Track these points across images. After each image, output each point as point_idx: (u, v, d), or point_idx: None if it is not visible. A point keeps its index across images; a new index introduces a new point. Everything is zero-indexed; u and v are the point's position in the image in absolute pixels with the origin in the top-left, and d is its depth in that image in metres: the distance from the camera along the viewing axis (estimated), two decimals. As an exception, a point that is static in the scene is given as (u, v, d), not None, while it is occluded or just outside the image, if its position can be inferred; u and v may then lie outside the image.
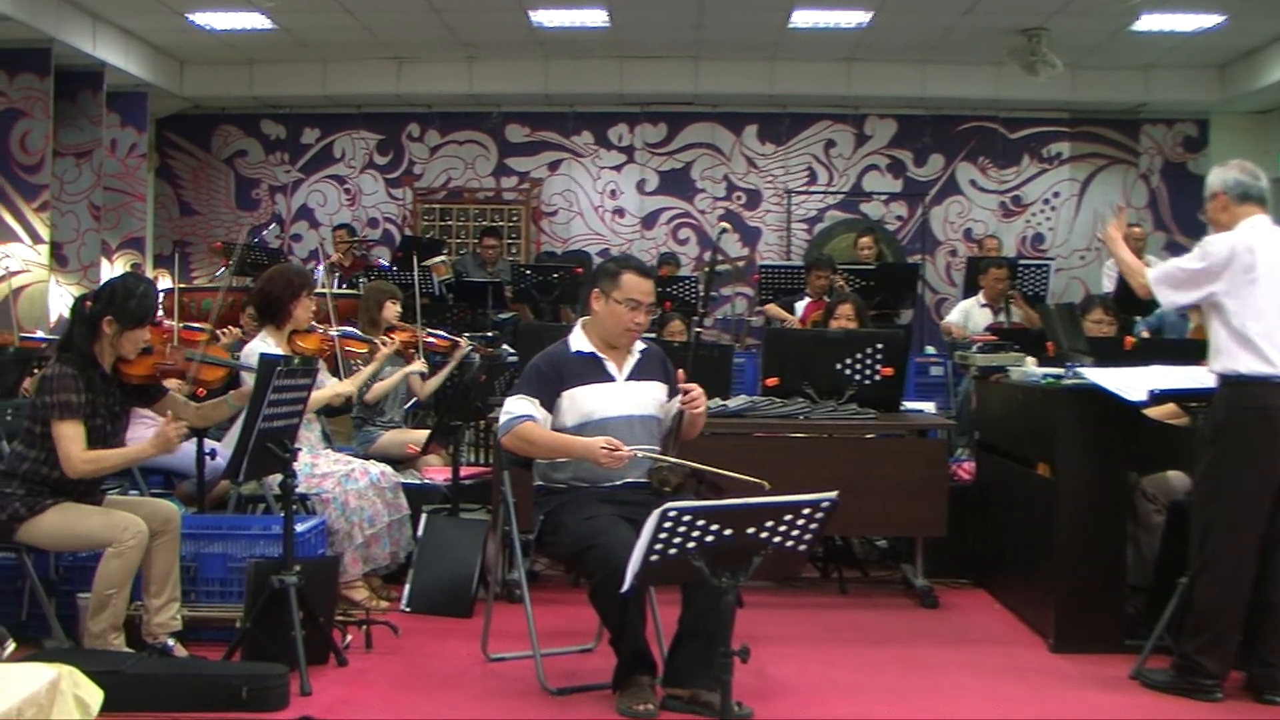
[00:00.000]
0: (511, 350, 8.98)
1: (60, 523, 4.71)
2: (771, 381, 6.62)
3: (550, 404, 4.71)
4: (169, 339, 5.33)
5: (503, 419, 4.74)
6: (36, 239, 11.68)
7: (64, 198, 12.47)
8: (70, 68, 12.17)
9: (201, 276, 14.61)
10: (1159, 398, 4.95)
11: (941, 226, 14.46)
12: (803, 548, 3.51)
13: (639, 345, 4.90)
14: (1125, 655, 5.09)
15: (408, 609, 5.88)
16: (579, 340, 4.86)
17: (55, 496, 4.73)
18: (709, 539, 3.35)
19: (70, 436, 4.68)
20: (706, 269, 12.71)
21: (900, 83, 13.74)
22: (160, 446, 4.76)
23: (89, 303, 4.87)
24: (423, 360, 7.44)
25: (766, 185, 14.56)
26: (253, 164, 15.08)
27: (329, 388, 6.17)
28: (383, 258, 13.24)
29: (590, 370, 4.79)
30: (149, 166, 14.36)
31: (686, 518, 3.31)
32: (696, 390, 4.71)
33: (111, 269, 13.20)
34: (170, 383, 5.21)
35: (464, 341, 7.78)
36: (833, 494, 3.41)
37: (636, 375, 4.83)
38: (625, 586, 3.49)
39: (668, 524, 3.31)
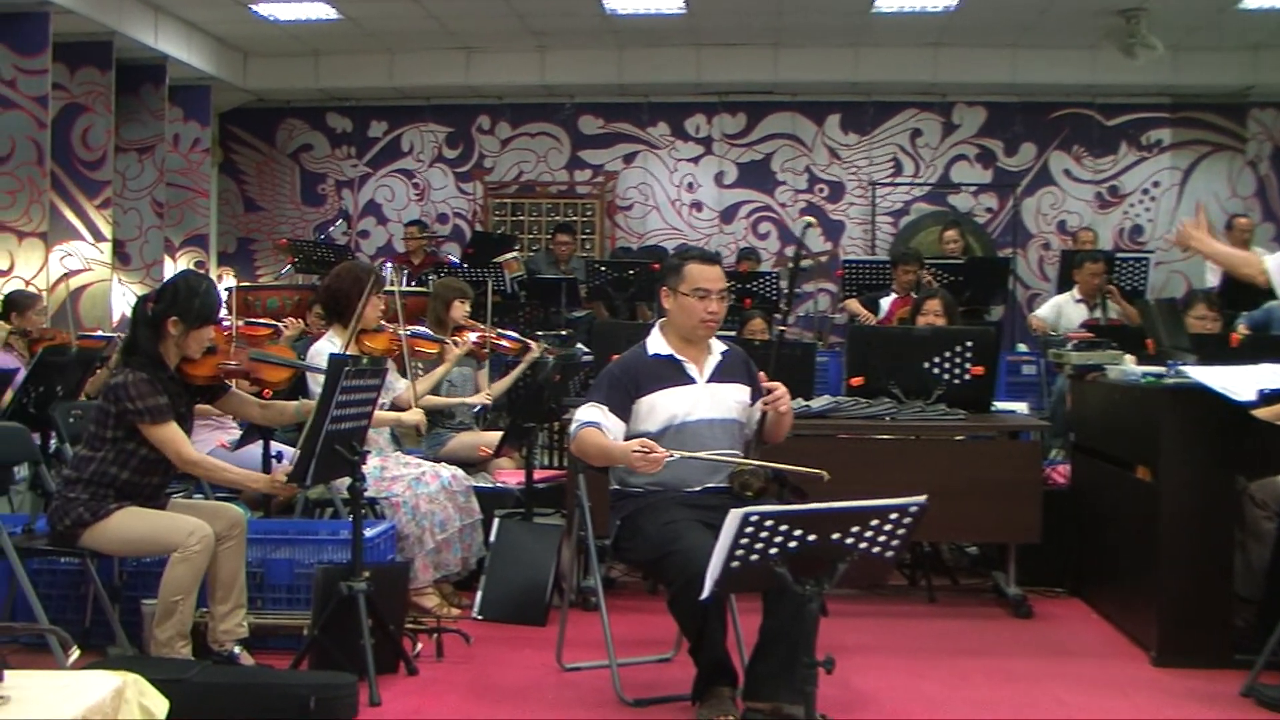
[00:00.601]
0: (586, 349, 9.00)
1: (125, 527, 4.77)
2: (856, 381, 6.59)
3: (623, 410, 4.70)
4: (232, 338, 5.39)
5: (573, 425, 4.76)
6: (99, 236, 11.85)
7: (126, 194, 12.68)
8: (131, 61, 12.37)
9: (266, 274, 14.78)
10: (1269, 398, 4.87)
11: (1034, 219, 14.31)
12: (890, 554, 3.49)
13: (720, 346, 4.88)
14: (1235, 671, 5.00)
15: (480, 617, 5.91)
16: (656, 343, 4.85)
17: (120, 500, 4.80)
18: (791, 544, 3.34)
19: (173, 437, 4.78)
20: (790, 265, 12.68)
21: (989, 68, 13.62)
22: (269, 489, 4.98)
23: (151, 303, 4.93)
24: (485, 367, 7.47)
25: (850, 177, 14.49)
26: (318, 158, 15.23)
27: (393, 414, 6.18)
28: (453, 254, 13.32)
29: (669, 373, 4.78)
30: (212, 162, 14.55)
31: (768, 522, 3.30)
32: (780, 389, 4.69)
33: (175, 267, 13.39)
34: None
35: (536, 345, 7.79)
36: (921, 498, 3.39)
37: (718, 377, 4.82)
38: (705, 593, 3.49)
39: (749, 529, 3.30)
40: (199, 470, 4.93)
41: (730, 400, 4.80)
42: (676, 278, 4.80)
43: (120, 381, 4.79)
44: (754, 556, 3.35)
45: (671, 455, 4.47)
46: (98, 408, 4.87)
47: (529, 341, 7.83)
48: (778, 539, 3.33)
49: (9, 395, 6.15)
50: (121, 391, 4.77)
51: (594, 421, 4.65)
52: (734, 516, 3.30)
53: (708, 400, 4.76)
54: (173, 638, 4.69)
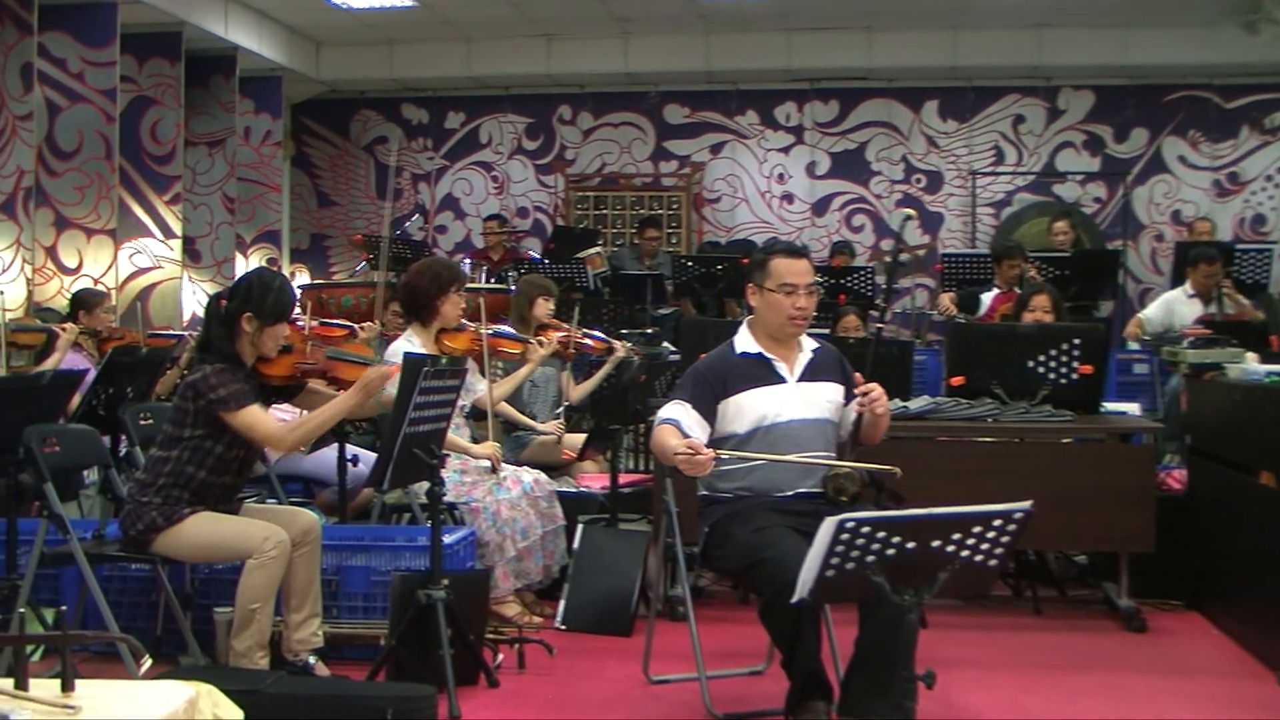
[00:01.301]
0: (672, 348, 9.01)
1: (199, 533, 4.82)
2: (957, 381, 6.54)
3: (707, 409, 4.69)
4: (307, 337, 5.45)
5: (655, 421, 4.76)
6: (169, 233, 12.04)
7: (196, 189, 12.87)
8: (201, 52, 12.55)
9: (341, 271, 14.93)
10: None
11: (1146, 208, 14.12)
12: (993, 563, 3.46)
13: (811, 344, 4.87)
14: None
15: (563, 626, 5.94)
16: (745, 341, 4.84)
17: (194, 505, 4.85)
18: (889, 552, 3.33)
19: (259, 419, 4.83)
20: (888, 259, 12.62)
21: (1098, 49, 13.45)
22: (363, 394, 4.91)
23: (224, 301, 4.99)
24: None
25: (949, 166, 14.39)
26: (394, 151, 15.36)
27: (466, 443, 6.20)
28: (533, 249, 13.40)
29: (758, 372, 4.77)
30: (284, 155, 14.73)
31: (865, 529, 3.29)
32: (877, 390, 4.66)
33: (246, 264, 13.57)
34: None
35: (621, 346, 7.80)
36: (1026, 504, 3.36)
37: (809, 376, 4.80)
38: (796, 599, 3.48)
39: (844, 535, 3.29)
40: (298, 436, 4.94)
41: (822, 400, 4.77)
42: (762, 273, 4.78)
43: (199, 375, 4.84)
44: (850, 565, 3.34)
45: (719, 455, 4.45)
46: (175, 407, 4.92)
47: (614, 342, 7.84)
48: (875, 546, 3.31)
49: (78, 397, 6.24)
50: (201, 384, 4.81)
51: (673, 419, 4.63)
52: (829, 523, 3.29)
53: (799, 400, 4.74)
54: (251, 648, 4.74)
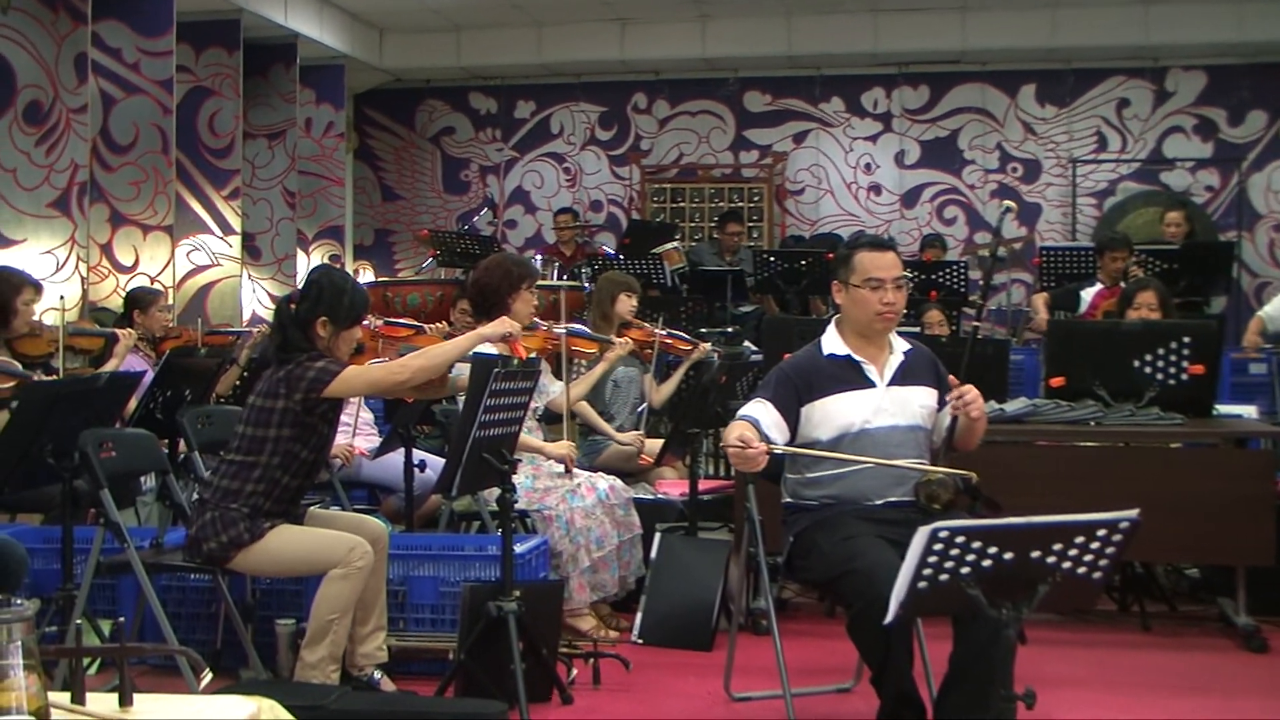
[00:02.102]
0: (754, 348, 9.00)
1: (283, 547, 4.84)
2: (1057, 382, 6.49)
3: (788, 410, 4.67)
4: (377, 335, 5.49)
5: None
6: (227, 229, 12.17)
7: (255, 184, 13.01)
8: (260, 40, 12.69)
9: (406, 268, 15.04)
10: None
11: (1263, 196, 13.93)
12: (1097, 575, 3.43)
13: (903, 345, 4.83)
14: None
15: (640, 640, 5.95)
16: (832, 341, 4.81)
17: (271, 517, 4.87)
18: (986, 563, 3.30)
19: (361, 369, 4.91)
20: (983, 253, 12.53)
21: (1211, 26, 13.29)
22: (500, 332, 5.08)
23: (294, 304, 5.01)
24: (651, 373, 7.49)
25: (1047, 154, 14.27)
26: (461, 142, 15.46)
27: (539, 442, 6.23)
28: (607, 244, 13.43)
29: (846, 375, 4.74)
30: (347, 147, 14.85)
31: (960, 538, 3.27)
32: (972, 392, 4.63)
33: (308, 261, 13.69)
34: None
35: (702, 345, 7.80)
36: (1132, 513, 3.33)
37: (900, 379, 4.76)
38: (889, 617, 3.47)
39: (938, 545, 3.27)
40: (423, 363, 4.91)
41: (914, 404, 4.74)
42: (846, 269, 4.76)
43: (292, 365, 4.83)
44: (944, 576, 3.32)
45: (772, 451, 4.43)
46: (256, 407, 4.89)
47: (698, 342, 7.83)
48: (970, 557, 3.29)
49: (135, 400, 6.31)
50: (297, 370, 4.80)
51: (751, 417, 4.61)
52: (921, 533, 3.27)
53: (889, 405, 4.70)
54: (323, 660, 4.76)
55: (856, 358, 4.74)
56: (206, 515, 4.86)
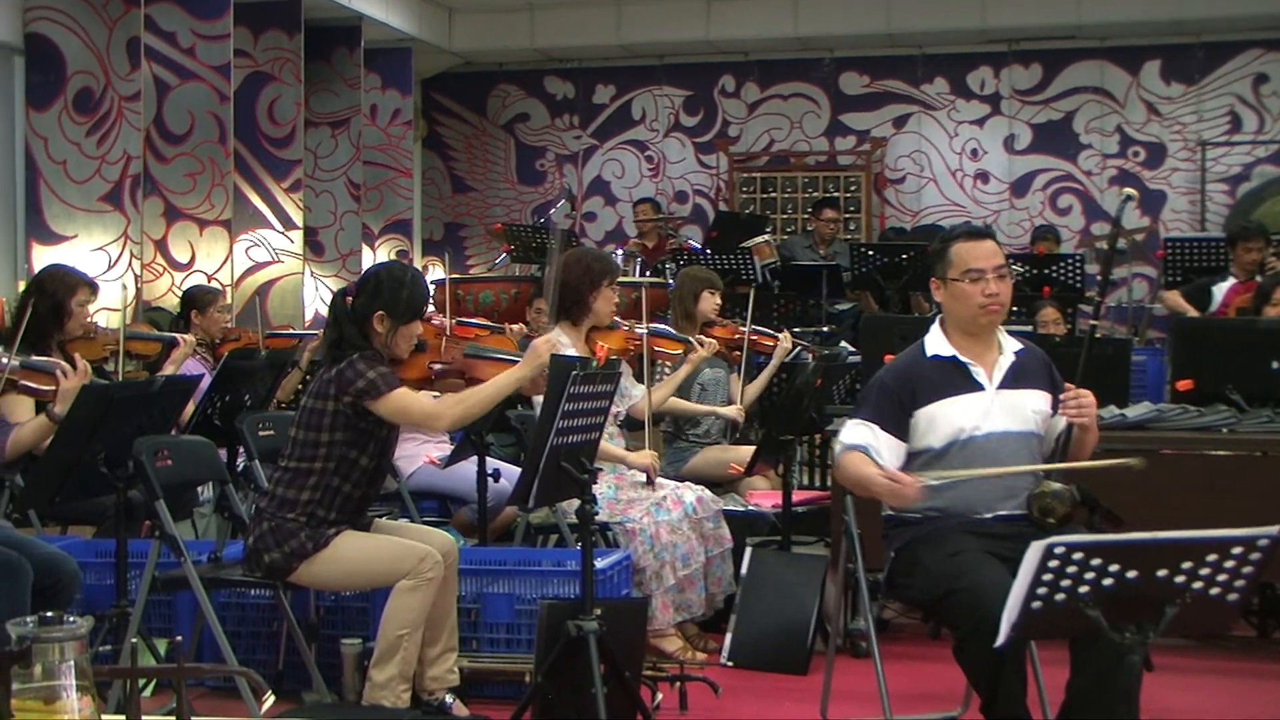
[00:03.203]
0: (852, 348, 8.97)
1: (349, 556, 4.87)
2: (1184, 385, 6.43)
3: (898, 427, 4.65)
4: (443, 334, 5.52)
5: (836, 447, 4.74)
6: (288, 224, 12.27)
7: (318, 175, 13.12)
8: (323, 22, 12.80)
9: (479, 264, 15.11)
10: None
11: None
12: (1232, 597, 3.38)
13: (1014, 345, 4.80)
14: None
15: (730, 663, 5.94)
16: (936, 342, 4.78)
17: (336, 525, 4.92)
18: (1107, 582, 3.27)
19: (412, 399, 4.90)
20: (1102, 245, 12.43)
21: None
22: (534, 365, 4.92)
23: (350, 298, 5.05)
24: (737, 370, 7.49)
25: (1173, 137, 14.12)
26: (536, 129, 15.52)
27: (620, 450, 6.24)
28: (693, 238, 13.42)
29: (952, 378, 4.71)
30: (415, 136, 14.95)
31: (1077, 555, 3.24)
32: (1087, 397, 4.59)
33: (374, 257, 13.79)
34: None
35: (784, 337, 7.78)
36: (1272, 529, 3.28)
37: (1011, 382, 4.72)
38: (1000, 640, 3.44)
39: (1054, 562, 3.24)
40: (460, 411, 4.93)
41: (1027, 410, 4.70)
42: (943, 264, 4.73)
43: (344, 365, 4.87)
44: (1060, 596, 3.29)
45: (924, 481, 4.40)
46: (308, 409, 4.93)
47: (778, 334, 7.81)
48: (1089, 575, 3.26)
49: (192, 405, 6.37)
50: (348, 372, 4.83)
51: (860, 444, 4.60)
52: (1035, 548, 3.24)
53: (999, 410, 4.67)
54: (393, 679, 4.79)
55: (962, 359, 4.71)
56: (263, 525, 4.91)
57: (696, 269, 8.23)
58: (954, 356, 4.71)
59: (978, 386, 4.69)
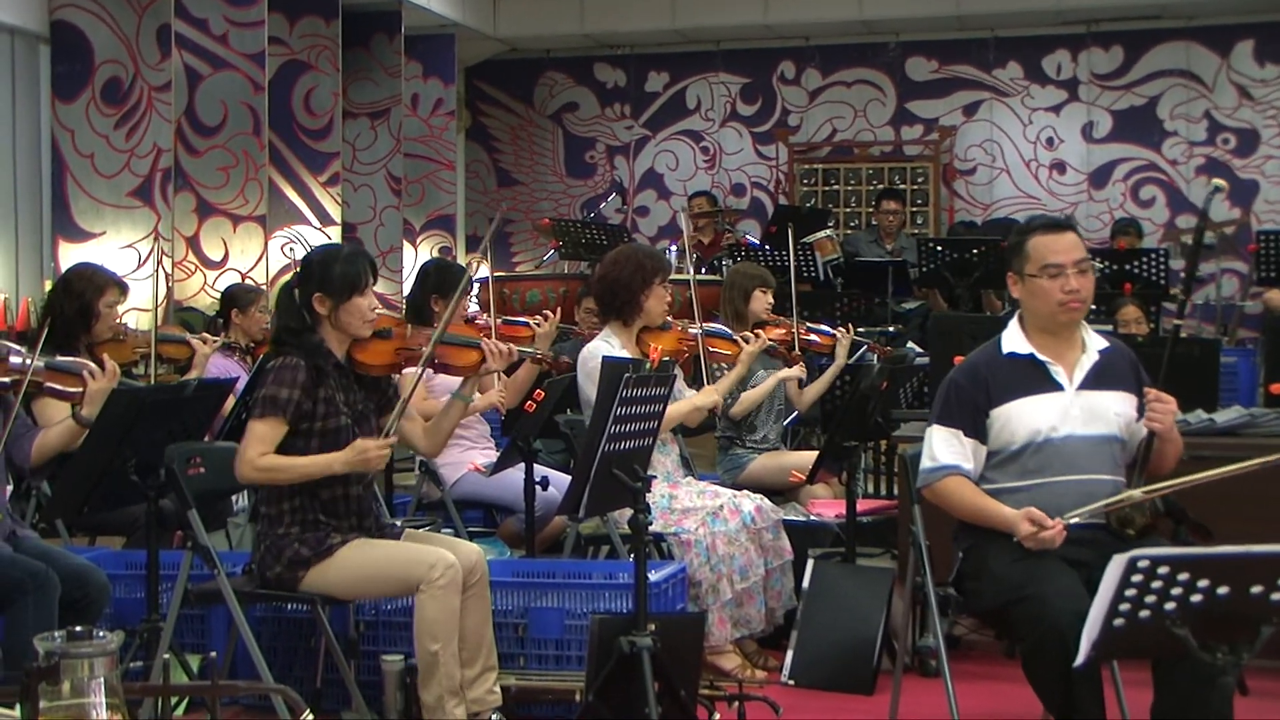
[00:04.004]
0: (919, 349, 8.94)
1: (355, 563, 4.92)
2: (1278, 388, 6.37)
3: (979, 431, 4.64)
4: (404, 324, 5.52)
5: (924, 463, 4.71)
6: (326, 220, 12.31)
7: (357, 168, 13.16)
8: (361, 8, 12.86)
9: (525, 262, 15.13)
10: None
11: None
12: (1332, 613, 3.36)
13: (1099, 344, 4.76)
14: None
15: (790, 682, 5.93)
16: (1013, 339, 4.76)
17: (342, 531, 4.97)
18: (1196, 598, 3.25)
19: (257, 435, 4.88)
20: (1188, 239, 12.33)
21: None
22: (355, 463, 4.88)
23: (296, 288, 5.11)
24: (802, 364, 7.48)
25: (1267, 122, 14.00)
26: (586, 119, 15.53)
27: (685, 400, 6.29)
28: (751, 233, 13.41)
29: (1029, 377, 4.69)
30: (459, 127, 14.97)
31: (1163, 569, 3.22)
32: (1169, 403, 4.54)
33: (416, 254, 13.82)
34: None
35: (843, 333, 7.74)
36: (1374, 540, 3.26)
37: (1093, 383, 4.69)
38: (1080, 659, 3.42)
39: (1137, 576, 3.22)
40: (260, 476, 4.91)
41: (1110, 412, 4.67)
42: (1020, 258, 4.70)
43: (265, 368, 4.99)
44: (1144, 613, 3.27)
45: (1070, 523, 4.37)
46: None
47: (838, 331, 7.77)
48: (1176, 591, 3.24)
49: (227, 409, 6.40)
50: (266, 378, 4.94)
51: (958, 467, 4.60)
52: (1118, 562, 3.22)
53: (1079, 412, 4.64)
54: (441, 698, 4.81)
55: (1040, 357, 4.68)
56: (261, 548, 5.01)
57: (748, 265, 8.22)
58: (1031, 355, 4.69)
59: (1056, 386, 4.67)
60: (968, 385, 4.70)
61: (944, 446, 4.65)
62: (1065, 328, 4.69)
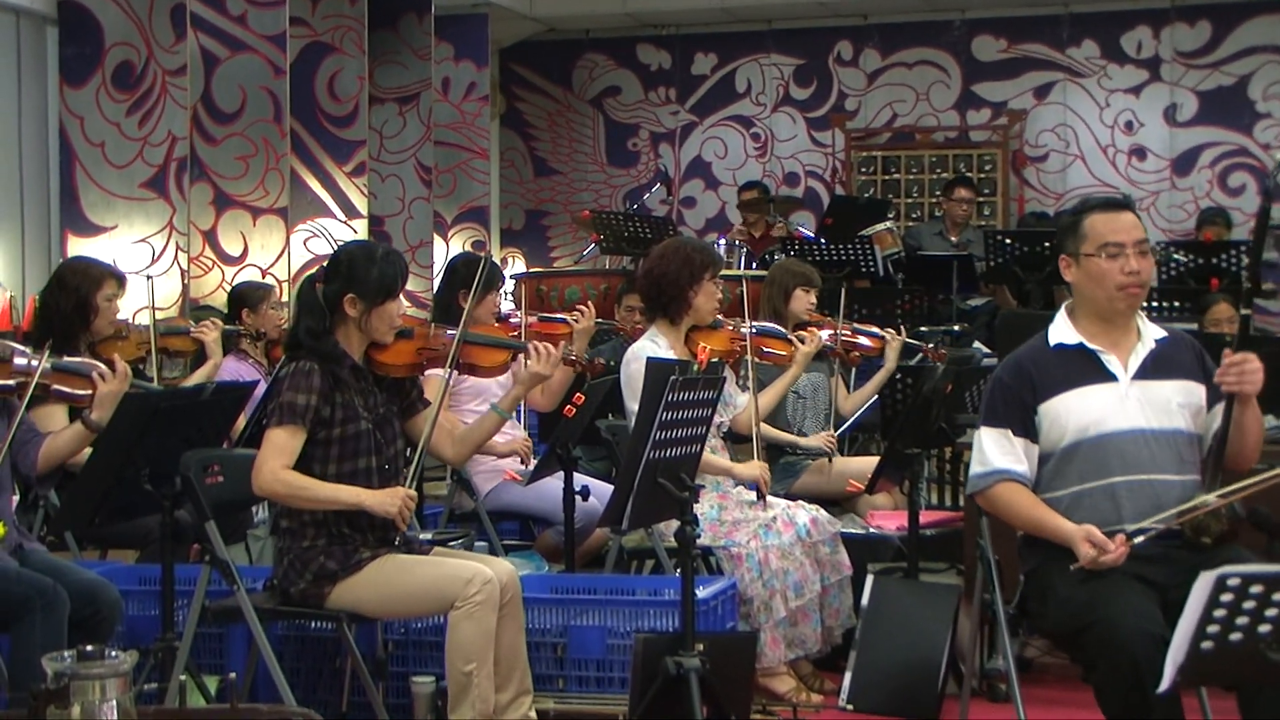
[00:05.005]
0: (986, 349, 8.91)
1: (386, 579, 4.94)
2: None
3: (1029, 430, 4.62)
4: (427, 325, 5.53)
5: (974, 467, 4.70)
6: (351, 212, 12.33)
7: (384, 157, 13.17)
8: (387, -15, 12.87)
9: (564, 256, 15.14)
10: None
11: None
12: None
13: (1156, 333, 4.73)
14: None
15: (849, 706, 5.90)
16: (1061, 330, 4.73)
17: (367, 544, 4.99)
18: (1292, 619, 3.23)
19: (276, 444, 4.92)
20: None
21: None
22: (383, 506, 4.92)
23: (320, 284, 5.11)
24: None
25: (1366, 103, 13.93)
26: (628, 104, 15.54)
27: (725, 462, 6.24)
28: (804, 225, 13.38)
29: (1079, 368, 4.66)
30: (492, 113, 14.98)
31: (1256, 588, 3.20)
32: (1249, 360, 4.44)
33: (447, 249, 13.84)
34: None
35: (892, 335, 7.68)
36: None
37: (1150, 372, 4.64)
38: (1164, 684, 3.39)
39: (1227, 596, 3.20)
40: (280, 489, 4.94)
41: (1170, 403, 4.61)
42: (1075, 238, 4.67)
43: (280, 374, 5.02)
44: (1235, 635, 3.24)
45: (1133, 541, 4.33)
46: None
47: (887, 333, 7.70)
48: (1271, 612, 3.22)
49: (245, 415, 6.41)
50: (282, 384, 4.98)
51: (1015, 473, 4.58)
52: (1205, 579, 3.20)
53: (1135, 403, 4.60)
54: (473, 721, 4.84)
55: (1091, 346, 4.65)
56: (284, 563, 5.04)
57: (792, 262, 8.19)
58: (1081, 344, 4.66)
59: (1109, 377, 4.63)
60: (1012, 382, 4.69)
61: (994, 448, 4.64)
62: (1122, 315, 4.66)
